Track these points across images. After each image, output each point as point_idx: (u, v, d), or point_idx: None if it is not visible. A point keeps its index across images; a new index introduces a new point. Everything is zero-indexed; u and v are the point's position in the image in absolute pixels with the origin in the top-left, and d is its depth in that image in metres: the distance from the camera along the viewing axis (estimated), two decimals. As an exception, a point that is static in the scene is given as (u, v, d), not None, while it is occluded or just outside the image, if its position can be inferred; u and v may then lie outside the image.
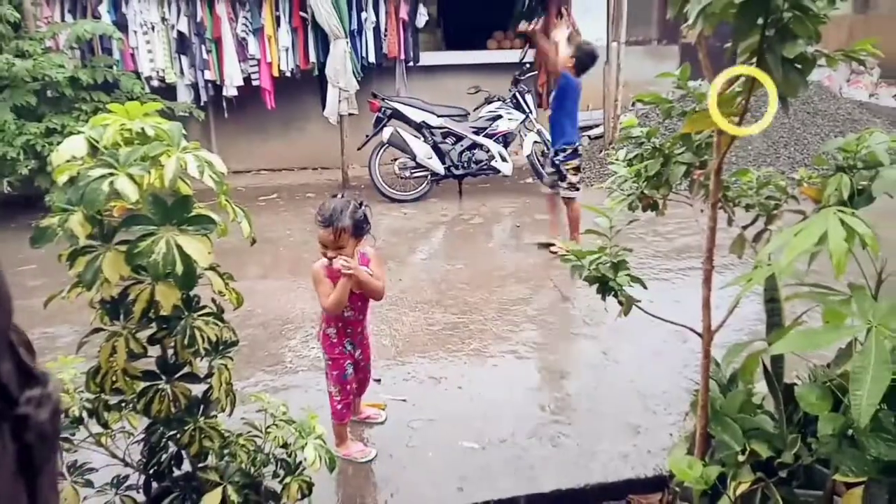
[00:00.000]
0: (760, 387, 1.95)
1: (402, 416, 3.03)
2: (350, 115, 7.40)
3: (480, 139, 6.97)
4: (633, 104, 8.25)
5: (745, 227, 1.93)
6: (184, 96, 7.33)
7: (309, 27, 7.30)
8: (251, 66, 7.39)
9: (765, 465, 1.83)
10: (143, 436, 1.84)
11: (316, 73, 7.52)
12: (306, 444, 1.90)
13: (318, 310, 4.21)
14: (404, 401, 3.14)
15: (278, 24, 7.32)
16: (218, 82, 7.38)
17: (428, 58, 8.17)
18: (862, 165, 1.72)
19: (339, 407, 2.74)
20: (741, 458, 1.81)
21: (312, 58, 7.44)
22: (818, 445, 1.73)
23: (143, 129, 1.65)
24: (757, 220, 1.93)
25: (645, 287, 2.03)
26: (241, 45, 7.32)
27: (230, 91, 7.38)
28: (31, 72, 5.72)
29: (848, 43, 1.71)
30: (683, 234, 5.52)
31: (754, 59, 1.62)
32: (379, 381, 3.28)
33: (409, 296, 4.45)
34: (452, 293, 4.48)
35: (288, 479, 1.91)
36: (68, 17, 6.89)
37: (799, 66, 1.64)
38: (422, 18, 7.92)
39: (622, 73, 8.01)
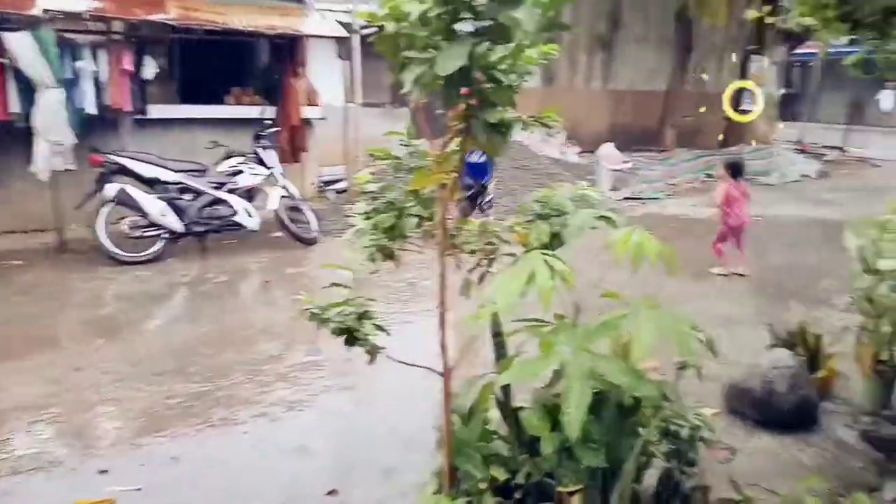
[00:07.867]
0: (498, 414, 2.14)
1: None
2: (66, 170, 6.59)
3: (222, 194, 6.71)
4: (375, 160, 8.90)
5: (470, 271, 2.13)
6: None
7: (9, 74, 6.40)
8: (-70, 114, 6.23)
9: (504, 488, 2.00)
10: None
11: (23, 124, 6.58)
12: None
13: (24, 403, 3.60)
14: (139, 490, 2.79)
15: (-34, 69, 6.30)
16: None
17: (159, 111, 7.69)
18: (556, 213, 2.03)
19: None
20: (483, 485, 1.95)
21: (14, 108, 6.51)
22: (544, 462, 1.95)
23: None
24: (480, 263, 2.14)
25: (388, 334, 2.12)
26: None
27: None
28: None
29: (539, 110, 2.02)
30: (426, 278, 5.82)
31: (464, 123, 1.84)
32: (106, 471, 2.90)
33: (143, 368, 4.01)
34: (195, 359, 4.16)
35: None
36: None
37: (502, 129, 1.89)
38: (149, 70, 7.42)
39: (360, 132, 8.70)
